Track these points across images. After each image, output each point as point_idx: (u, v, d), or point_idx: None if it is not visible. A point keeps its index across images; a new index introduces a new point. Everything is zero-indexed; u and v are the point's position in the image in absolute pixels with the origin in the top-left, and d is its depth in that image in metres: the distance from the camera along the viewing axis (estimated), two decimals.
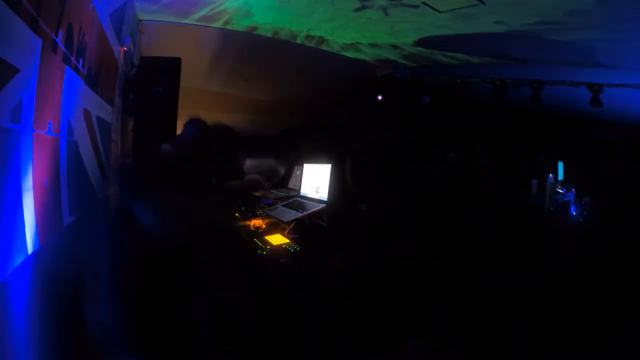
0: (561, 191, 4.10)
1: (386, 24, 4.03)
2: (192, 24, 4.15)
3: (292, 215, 2.60)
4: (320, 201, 2.76)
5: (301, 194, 3.16)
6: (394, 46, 4.83)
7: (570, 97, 5.12)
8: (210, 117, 3.30)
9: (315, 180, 2.99)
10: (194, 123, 2.01)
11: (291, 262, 2.08)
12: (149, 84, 3.49)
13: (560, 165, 5.02)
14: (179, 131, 3.62)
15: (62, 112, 1.64)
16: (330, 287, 0.87)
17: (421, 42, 4.55)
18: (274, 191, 3.95)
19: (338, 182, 2.47)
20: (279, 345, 1.66)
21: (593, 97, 4.82)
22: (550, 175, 4.20)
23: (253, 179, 3.09)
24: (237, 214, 2.88)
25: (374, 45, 4.88)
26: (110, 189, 2.67)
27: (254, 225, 2.70)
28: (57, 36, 1.48)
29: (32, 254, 1.27)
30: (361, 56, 5.38)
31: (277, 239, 2.39)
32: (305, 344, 0.93)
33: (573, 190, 3.93)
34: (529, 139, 6.72)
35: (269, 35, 4.55)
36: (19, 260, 1.18)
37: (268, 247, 2.28)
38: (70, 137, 1.79)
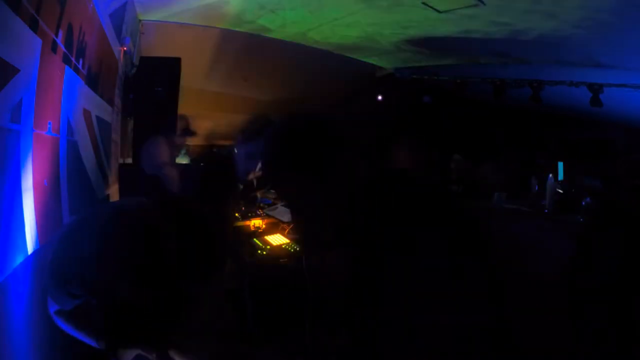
0: (561, 191, 4.10)
1: (386, 23, 4.03)
2: (192, 24, 4.15)
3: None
4: None
5: None
6: (394, 43, 4.83)
7: (570, 97, 5.12)
8: (211, 117, 3.32)
9: None
10: None
11: (291, 262, 2.08)
12: (149, 84, 3.49)
13: (560, 165, 5.02)
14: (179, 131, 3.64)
15: (62, 112, 1.64)
16: (331, 287, 0.87)
17: (421, 42, 4.55)
18: (274, 191, 3.95)
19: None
20: (279, 345, 1.66)
21: (593, 97, 4.81)
22: (550, 175, 4.20)
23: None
24: (237, 214, 2.88)
25: (373, 43, 4.88)
26: (110, 189, 2.67)
27: (254, 225, 2.70)
28: (57, 36, 1.48)
29: (32, 254, 1.27)
30: (362, 57, 5.38)
31: (277, 239, 2.39)
32: (305, 344, 0.93)
33: (573, 190, 3.94)
34: (529, 139, 6.72)
35: (270, 35, 4.55)
36: (19, 260, 1.18)
37: (268, 247, 2.28)
38: (70, 137, 1.79)
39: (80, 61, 1.88)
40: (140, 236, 0.83)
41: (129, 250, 0.80)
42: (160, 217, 0.89)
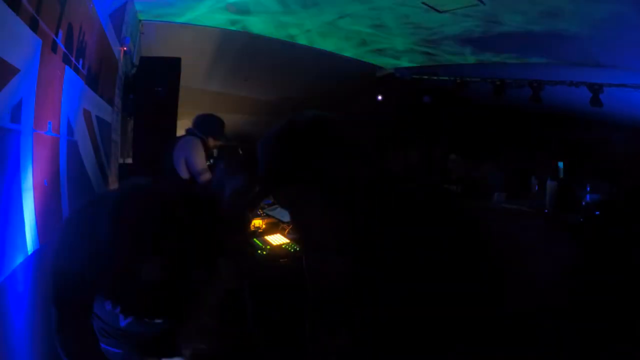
0: (561, 191, 4.09)
1: (387, 22, 4.03)
2: (192, 24, 4.15)
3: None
4: None
5: None
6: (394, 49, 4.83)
7: (570, 97, 5.12)
8: None
9: None
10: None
11: (291, 262, 2.07)
12: (149, 84, 3.49)
13: (561, 165, 5.02)
14: (179, 131, 3.62)
15: (62, 112, 1.64)
16: (331, 288, 0.87)
17: (421, 42, 4.55)
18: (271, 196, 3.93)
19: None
20: (278, 345, 1.66)
21: (593, 97, 4.81)
22: (550, 175, 4.20)
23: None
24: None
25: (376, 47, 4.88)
26: (110, 189, 2.67)
27: (254, 225, 2.70)
28: (57, 36, 1.48)
29: (32, 254, 1.27)
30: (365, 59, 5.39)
31: (277, 239, 2.38)
32: (305, 344, 0.93)
33: (573, 190, 3.93)
34: (529, 139, 6.72)
35: (270, 36, 4.55)
36: (19, 260, 1.18)
37: (268, 247, 2.28)
38: (70, 137, 1.79)
39: (80, 61, 1.88)
40: (157, 204, 0.85)
41: (143, 219, 0.82)
42: (173, 193, 0.92)
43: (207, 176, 2.77)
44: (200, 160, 2.79)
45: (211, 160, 3.02)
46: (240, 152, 3.47)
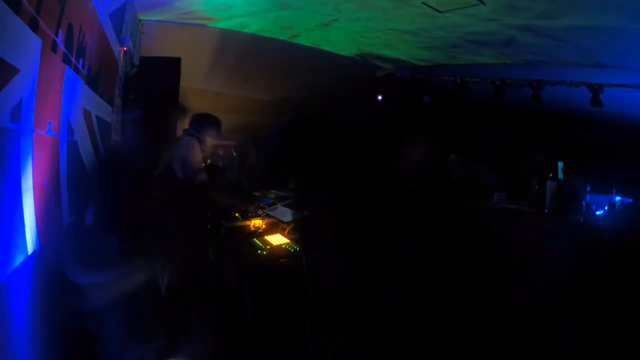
0: (561, 191, 4.09)
1: (387, 23, 4.03)
2: (192, 24, 4.15)
3: (292, 215, 2.59)
4: None
5: None
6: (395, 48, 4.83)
7: (570, 97, 5.11)
8: None
9: None
10: None
11: (291, 262, 2.08)
12: (149, 84, 3.49)
13: (560, 165, 5.02)
14: (178, 131, 3.63)
15: (62, 112, 1.64)
16: (331, 288, 0.87)
17: (421, 42, 4.55)
18: (274, 191, 3.94)
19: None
20: (279, 345, 1.66)
21: (593, 97, 4.81)
22: (550, 175, 4.19)
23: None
24: (237, 214, 2.87)
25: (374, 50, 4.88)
26: None
27: (254, 225, 2.70)
28: (57, 36, 1.48)
29: (32, 253, 1.27)
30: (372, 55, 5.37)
31: (277, 239, 2.39)
32: (305, 344, 0.93)
33: (573, 190, 3.93)
34: (529, 139, 6.72)
35: (270, 36, 4.55)
36: (19, 260, 1.18)
37: (268, 247, 2.28)
38: (70, 137, 1.79)
39: (80, 61, 1.88)
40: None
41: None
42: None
43: (202, 176, 2.79)
44: (196, 160, 2.80)
45: (208, 161, 3.04)
46: (234, 153, 3.47)
